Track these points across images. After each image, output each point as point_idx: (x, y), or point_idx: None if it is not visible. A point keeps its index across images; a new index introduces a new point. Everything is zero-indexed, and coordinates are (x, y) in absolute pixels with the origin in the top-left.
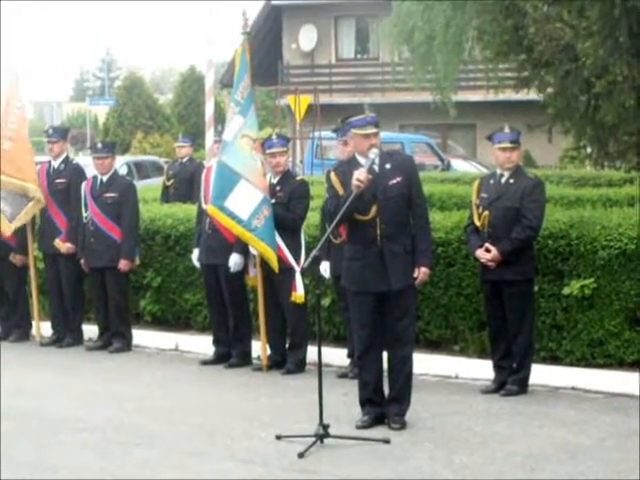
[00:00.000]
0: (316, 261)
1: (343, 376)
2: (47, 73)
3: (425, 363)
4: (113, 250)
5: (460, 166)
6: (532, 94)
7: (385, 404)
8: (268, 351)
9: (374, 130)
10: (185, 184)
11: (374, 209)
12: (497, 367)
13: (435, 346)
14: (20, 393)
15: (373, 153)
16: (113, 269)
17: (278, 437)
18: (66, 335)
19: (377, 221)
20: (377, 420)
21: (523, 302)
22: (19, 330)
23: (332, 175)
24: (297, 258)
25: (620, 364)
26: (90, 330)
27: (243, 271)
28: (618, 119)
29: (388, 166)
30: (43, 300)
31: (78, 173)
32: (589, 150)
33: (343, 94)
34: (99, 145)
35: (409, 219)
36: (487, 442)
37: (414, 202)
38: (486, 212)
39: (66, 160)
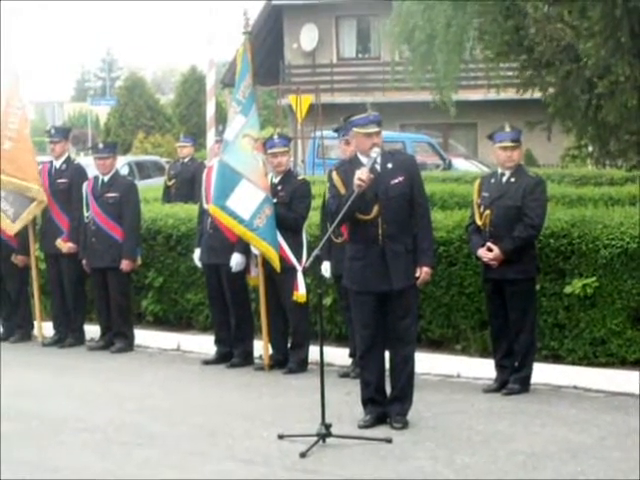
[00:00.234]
0: (317, 260)
1: (345, 375)
2: (48, 73)
3: (427, 362)
4: (115, 250)
5: (461, 165)
6: (533, 93)
7: (387, 403)
8: (270, 351)
9: (376, 129)
10: (186, 184)
11: (376, 209)
12: (499, 366)
13: (437, 345)
14: (21, 393)
15: (375, 152)
16: (115, 269)
17: (280, 437)
18: (68, 335)
19: (379, 221)
20: (379, 420)
21: (525, 301)
22: (21, 330)
23: (334, 174)
24: (299, 257)
25: (622, 363)
26: (92, 330)
27: (245, 271)
28: (620, 119)
29: (390, 165)
30: (45, 300)
31: (80, 173)
32: (590, 149)
33: (344, 93)
34: (100, 145)
35: (411, 219)
36: (489, 441)
37: (416, 201)
38: (487, 211)
39: (68, 160)
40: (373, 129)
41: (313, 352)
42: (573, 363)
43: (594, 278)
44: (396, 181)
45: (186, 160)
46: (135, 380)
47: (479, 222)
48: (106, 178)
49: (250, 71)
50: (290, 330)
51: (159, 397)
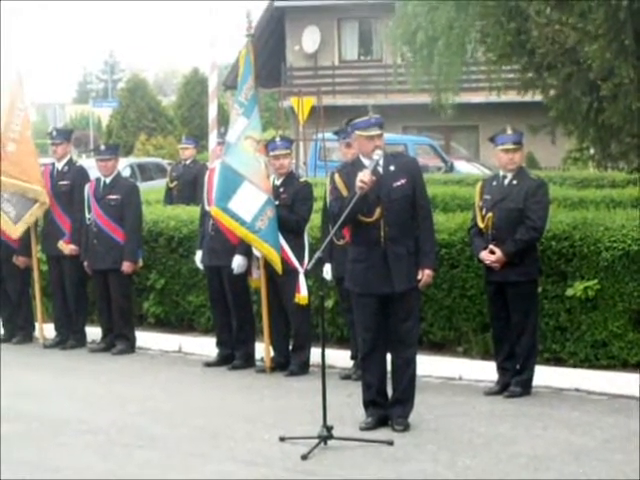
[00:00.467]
0: (319, 263)
1: (346, 378)
2: (50, 75)
3: (428, 365)
4: (116, 252)
5: (463, 168)
6: (534, 96)
7: (389, 406)
8: (271, 353)
9: (378, 132)
10: (188, 186)
11: (378, 211)
12: (501, 369)
13: (439, 348)
14: (23, 395)
15: (377, 155)
16: (116, 271)
17: (282, 439)
18: (69, 337)
19: (381, 223)
20: (381, 422)
21: (527, 303)
22: (22, 332)
23: (336, 177)
24: (301, 260)
25: (623, 365)
26: (93, 332)
27: (246, 273)
28: (623, 121)
29: (392, 168)
30: (47, 302)
31: (82, 175)
32: (592, 151)
33: (346, 96)
34: (102, 147)
35: (413, 221)
36: (491, 444)
37: (418, 204)
38: (489, 214)
39: (70, 162)
40: (375, 132)
41: (315, 354)
42: (575, 366)
43: (596, 281)
44: (398, 183)
45: (188, 162)
46: (136, 382)
47: (481, 225)
48: (108, 180)
49: (252, 73)
50: (292, 332)
51: (160, 399)
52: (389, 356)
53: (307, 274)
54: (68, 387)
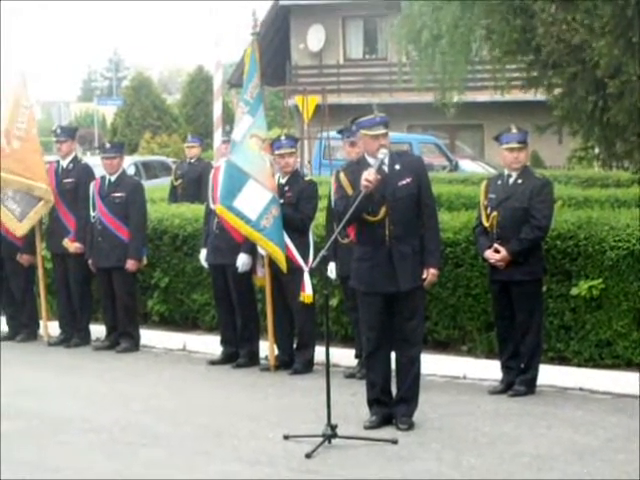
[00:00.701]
0: (324, 261)
1: (351, 376)
2: (55, 73)
3: (433, 364)
4: (120, 250)
5: (468, 166)
6: (539, 94)
7: (393, 404)
8: (276, 351)
9: (383, 131)
10: (193, 184)
11: (383, 210)
12: (505, 367)
13: (443, 347)
14: (27, 393)
15: (382, 154)
16: (120, 269)
17: (286, 437)
18: (73, 335)
19: (386, 222)
20: (385, 420)
21: (531, 302)
22: (27, 330)
23: (342, 175)
24: (305, 258)
25: (628, 365)
26: (98, 330)
27: (251, 271)
28: (629, 119)
29: (397, 167)
30: (51, 300)
31: (87, 173)
32: (597, 151)
33: (351, 94)
34: (107, 145)
35: (418, 220)
36: (495, 443)
37: (423, 203)
38: (494, 213)
39: (75, 160)
40: (380, 131)
41: (319, 353)
42: (579, 365)
43: (600, 280)
44: (404, 182)
45: (193, 160)
46: (141, 380)
47: (486, 224)
48: (113, 178)
49: (258, 72)
50: (296, 331)
51: (165, 397)
52: (394, 355)
53: (312, 272)
54: (72, 385)
